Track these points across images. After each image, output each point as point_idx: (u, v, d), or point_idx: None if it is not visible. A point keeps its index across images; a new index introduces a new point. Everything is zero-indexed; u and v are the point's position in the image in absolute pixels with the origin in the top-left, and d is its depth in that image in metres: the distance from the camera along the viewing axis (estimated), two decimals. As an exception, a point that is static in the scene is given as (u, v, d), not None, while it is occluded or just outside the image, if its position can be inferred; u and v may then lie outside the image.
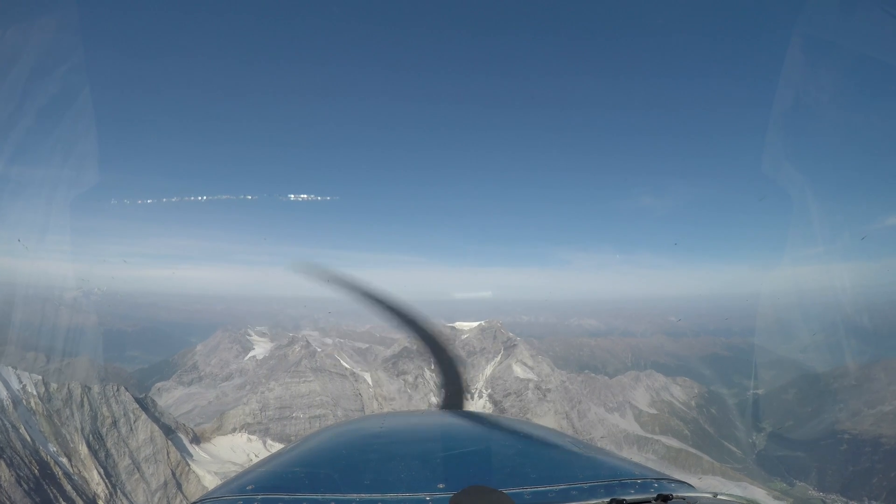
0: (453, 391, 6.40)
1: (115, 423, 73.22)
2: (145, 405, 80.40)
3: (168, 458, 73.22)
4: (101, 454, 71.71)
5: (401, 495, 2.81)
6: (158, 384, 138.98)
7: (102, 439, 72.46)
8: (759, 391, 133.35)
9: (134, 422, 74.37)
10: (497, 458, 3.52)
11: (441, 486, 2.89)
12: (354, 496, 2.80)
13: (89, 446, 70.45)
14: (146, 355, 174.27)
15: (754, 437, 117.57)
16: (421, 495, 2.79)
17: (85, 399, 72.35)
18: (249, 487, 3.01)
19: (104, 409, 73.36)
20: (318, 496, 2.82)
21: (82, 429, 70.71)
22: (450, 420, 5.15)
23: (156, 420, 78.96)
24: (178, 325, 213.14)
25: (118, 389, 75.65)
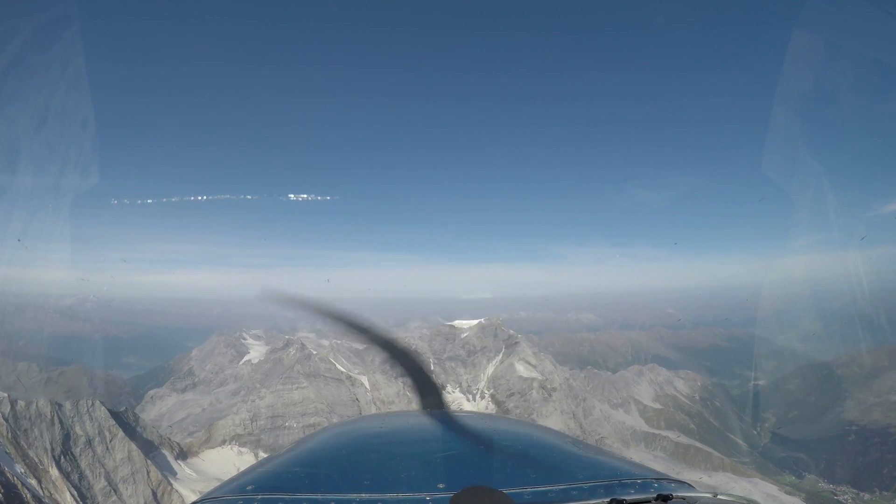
0: (428, 392, 5.74)
1: (89, 443, 64.49)
2: (125, 420, 71.76)
3: (148, 477, 64.59)
4: (75, 475, 63.06)
5: (401, 495, 2.72)
6: (151, 392, 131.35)
7: (75, 459, 63.78)
8: (761, 382, 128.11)
9: (110, 440, 65.59)
10: (497, 458, 3.44)
11: (441, 486, 2.81)
12: (354, 496, 2.71)
13: (60, 468, 61.82)
14: (142, 361, 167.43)
15: (758, 429, 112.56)
16: (421, 495, 2.71)
17: (55, 417, 63.55)
18: (249, 487, 2.90)
19: (77, 427, 64.59)
20: (318, 496, 2.72)
21: (52, 449, 62.03)
22: (449, 420, 4.97)
23: (137, 436, 70.40)
24: (174, 329, 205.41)
25: (93, 405, 66.87)
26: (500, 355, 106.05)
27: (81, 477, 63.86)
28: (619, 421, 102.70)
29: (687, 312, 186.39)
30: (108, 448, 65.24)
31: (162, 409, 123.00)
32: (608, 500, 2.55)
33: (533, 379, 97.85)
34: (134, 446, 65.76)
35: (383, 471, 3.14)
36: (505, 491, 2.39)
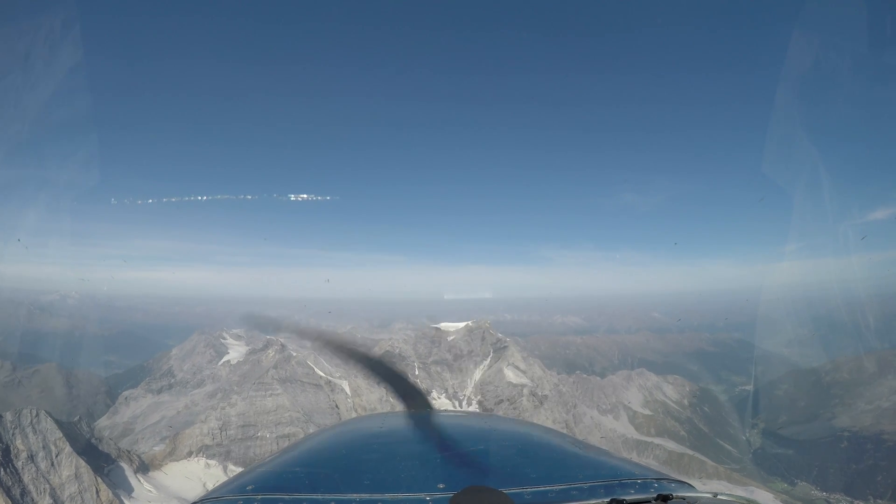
0: (412, 396, 5.36)
1: (31, 458, 55.33)
2: (78, 431, 62.62)
3: (98, 497, 55.58)
4: (16, 491, 54.04)
5: (401, 495, 2.68)
6: (126, 392, 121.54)
7: (17, 473, 54.69)
8: (749, 387, 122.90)
9: (56, 455, 56.48)
10: (497, 458, 3.37)
11: (441, 486, 2.76)
12: (354, 496, 2.67)
13: (0, 481, 52.85)
14: (122, 360, 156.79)
15: (748, 435, 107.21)
16: (421, 495, 2.67)
17: (-8, 429, 54.41)
18: (249, 487, 2.86)
19: (18, 440, 55.45)
20: (318, 496, 2.69)
21: (-10, 464, 53.00)
22: (449, 420, 4.91)
23: (90, 449, 61.28)
24: (156, 327, 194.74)
25: (37, 416, 57.68)
26: (489, 360, 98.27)
27: (24, 492, 54.85)
28: (610, 428, 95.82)
29: (672, 317, 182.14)
30: (53, 464, 56.14)
31: (136, 411, 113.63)
32: (608, 500, 2.51)
33: (523, 385, 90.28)
34: (83, 462, 56.66)
35: (383, 471, 3.04)
36: (505, 491, 2.35)
